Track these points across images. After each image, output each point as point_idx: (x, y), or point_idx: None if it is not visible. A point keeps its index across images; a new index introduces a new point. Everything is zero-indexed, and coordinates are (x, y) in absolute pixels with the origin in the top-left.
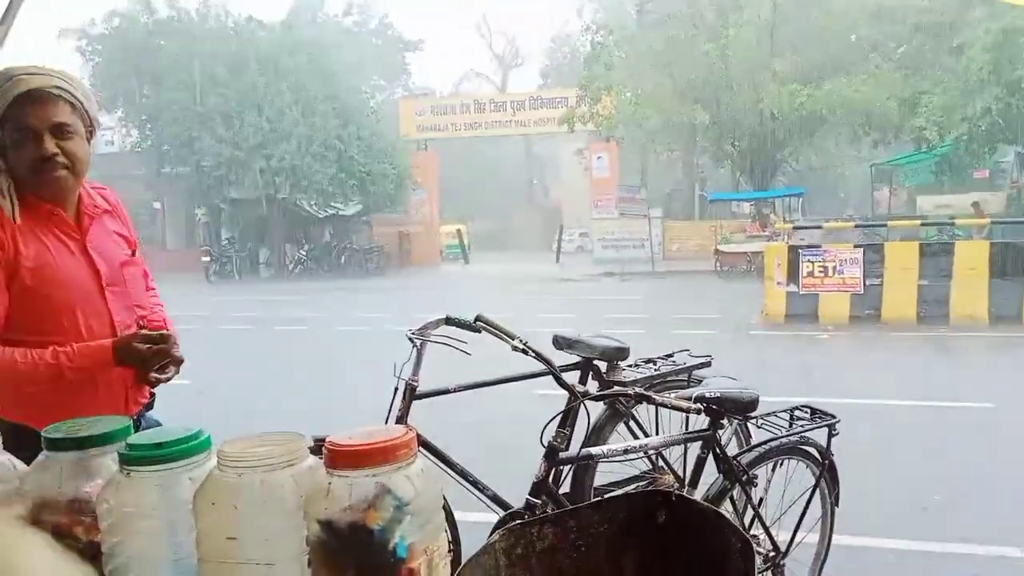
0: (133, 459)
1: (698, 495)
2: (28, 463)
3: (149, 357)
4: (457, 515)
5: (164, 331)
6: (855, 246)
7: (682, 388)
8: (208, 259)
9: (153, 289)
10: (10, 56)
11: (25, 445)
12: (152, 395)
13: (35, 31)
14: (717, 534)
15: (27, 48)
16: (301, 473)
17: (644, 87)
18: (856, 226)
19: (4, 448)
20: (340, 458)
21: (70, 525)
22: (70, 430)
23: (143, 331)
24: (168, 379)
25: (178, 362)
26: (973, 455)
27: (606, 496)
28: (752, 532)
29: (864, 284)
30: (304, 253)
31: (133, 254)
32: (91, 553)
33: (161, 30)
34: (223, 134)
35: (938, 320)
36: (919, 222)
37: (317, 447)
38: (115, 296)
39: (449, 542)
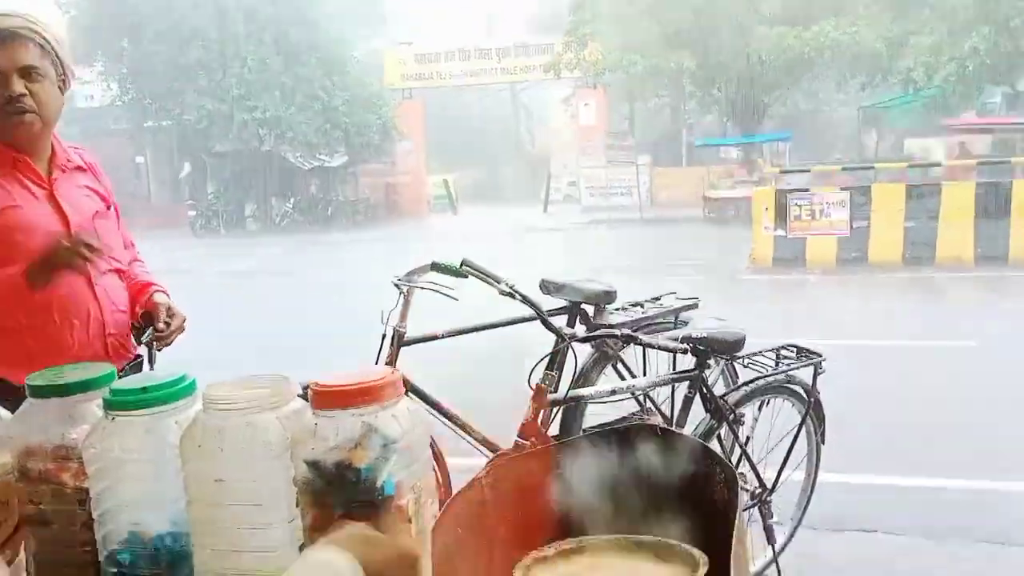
0: (118, 404)
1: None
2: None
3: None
4: (448, 461)
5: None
6: (842, 189)
7: (669, 330)
8: (194, 213)
9: (133, 247)
10: None
11: (6, 398)
12: (138, 356)
13: None
14: (702, 466)
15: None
16: (287, 415)
17: (630, 32)
18: (843, 169)
19: None
20: (326, 398)
21: (57, 471)
22: (53, 377)
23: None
24: (169, 336)
25: (179, 322)
26: (954, 392)
27: (592, 430)
28: (739, 470)
29: (851, 227)
30: (290, 206)
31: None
32: (79, 499)
33: None
34: (205, 86)
35: (924, 262)
36: (906, 164)
37: (304, 394)
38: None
39: (439, 484)
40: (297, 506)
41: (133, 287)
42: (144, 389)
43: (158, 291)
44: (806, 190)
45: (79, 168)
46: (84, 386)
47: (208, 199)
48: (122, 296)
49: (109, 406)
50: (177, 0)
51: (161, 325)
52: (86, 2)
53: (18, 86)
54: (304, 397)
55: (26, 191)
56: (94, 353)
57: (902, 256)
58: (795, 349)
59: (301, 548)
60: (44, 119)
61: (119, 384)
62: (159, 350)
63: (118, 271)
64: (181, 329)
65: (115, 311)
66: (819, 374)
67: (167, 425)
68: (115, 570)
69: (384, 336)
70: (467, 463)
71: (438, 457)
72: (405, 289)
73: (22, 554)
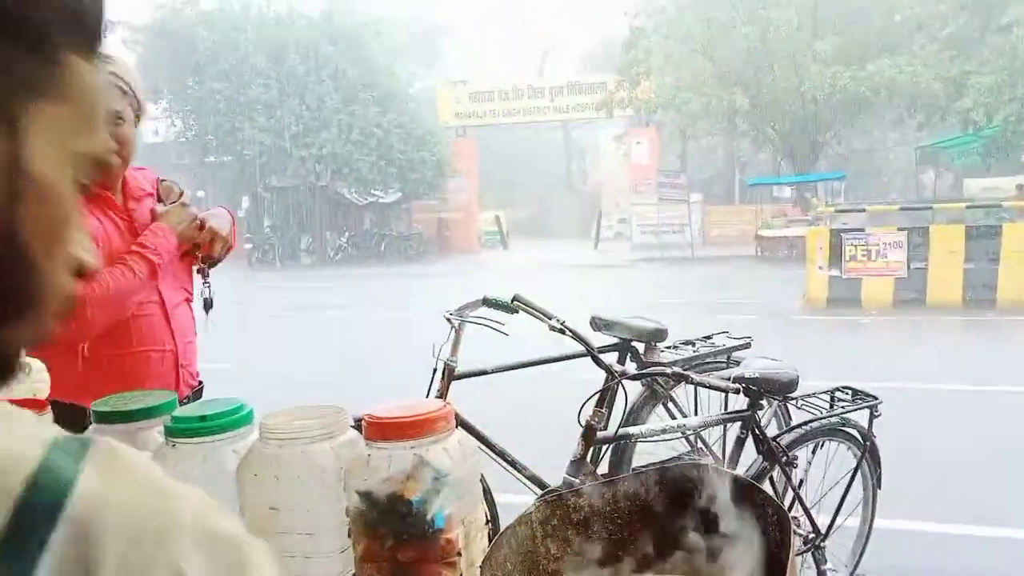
0: (178, 431)
1: None
2: None
3: (188, 221)
4: (496, 496)
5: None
6: (899, 229)
7: (721, 370)
8: (251, 246)
9: None
10: None
11: (76, 423)
12: (200, 384)
13: None
14: (753, 507)
15: None
16: (341, 445)
17: (683, 71)
18: (901, 209)
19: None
20: (379, 430)
21: None
22: (117, 404)
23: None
24: (218, 259)
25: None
26: (1019, 440)
27: (642, 468)
28: (792, 514)
29: (908, 268)
30: (344, 240)
31: None
32: None
33: (203, 21)
34: (265, 123)
35: (985, 304)
36: (965, 205)
37: (357, 425)
38: (163, 273)
39: (487, 519)
40: (348, 536)
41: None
42: (203, 418)
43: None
44: (861, 230)
45: (148, 194)
46: (147, 413)
47: (265, 232)
48: (191, 325)
49: (170, 433)
50: (239, 39)
51: (213, 254)
52: (152, 41)
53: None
54: (357, 428)
55: (112, 225)
56: (166, 383)
57: (962, 298)
58: (850, 391)
59: None
60: (124, 158)
61: (180, 412)
62: (208, 271)
63: (188, 300)
64: (228, 249)
65: (186, 342)
66: (875, 417)
67: (225, 453)
68: None
69: (435, 370)
70: (515, 500)
71: (486, 492)
72: (456, 323)
73: None
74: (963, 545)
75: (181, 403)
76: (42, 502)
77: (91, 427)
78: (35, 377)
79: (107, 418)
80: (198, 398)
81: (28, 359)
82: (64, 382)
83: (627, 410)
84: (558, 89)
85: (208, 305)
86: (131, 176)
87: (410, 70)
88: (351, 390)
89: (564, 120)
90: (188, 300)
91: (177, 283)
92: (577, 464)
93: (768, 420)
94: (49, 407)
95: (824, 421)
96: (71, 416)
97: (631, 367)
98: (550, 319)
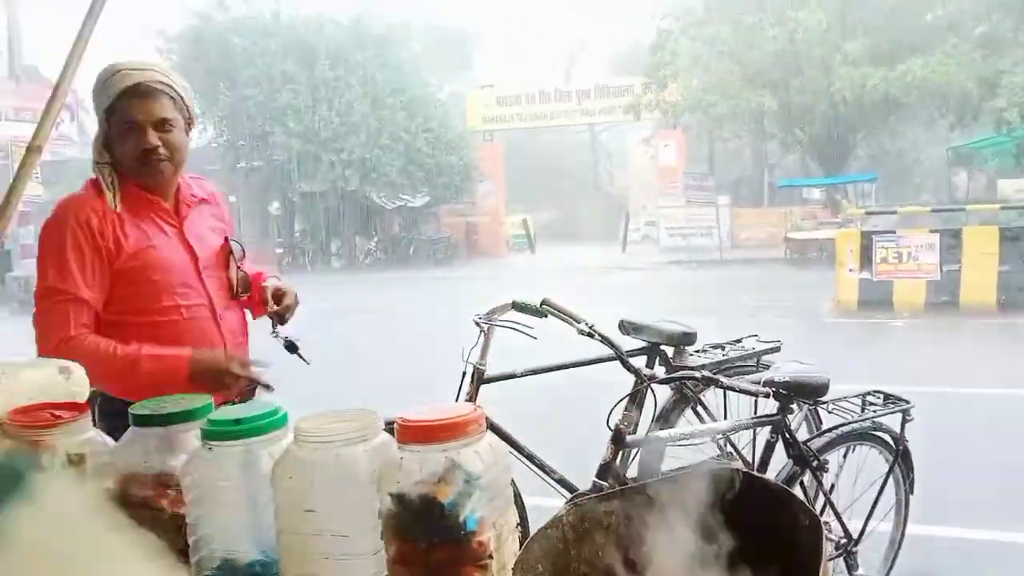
0: (214, 434)
1: None
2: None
3: (231, 383)
4: (525, 499)
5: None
6: (931, 231)
7: (750, 373)
8: (281, 251)
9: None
10: (97, 54)
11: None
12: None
13: (116, 31)
14: (785, 512)
15: (110, 47)
16: (374, 448)
17: (711, 73)
18: (933, 210)
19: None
20: (411, 433)
21: (156, 498)
22: (155, 407)
23: (237, 361)
24: (287, 313)
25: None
26: None
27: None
28: (823, 519)
29: (941, 270)
30: (374, 244)
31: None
32: (176, 524)
33: (235, 28)
34: (294, 128)
35: (1020, 307)
36: (999, 206)
37: (389, 428)
38: (211, 279)
39: (517, 523)
40: (381, 538)
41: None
42: (238, 421)
43: (268, 279)
44: (893, 232)
45: (204, 200)
46: (184, 416)
47: (295, 237)
48: (241, 327)
49: (206, 436)
50: (270, 46)
51: (279, 308)
52: (185, 49)
53: (153, 138)
54: (390, 431)
55: (159, 231)
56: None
57: (996, 301)
58: (882, 395)
59: None
60: (175, 164)
61: (216, 415)
62: (282, 325)
63: (242, 304)
64: (295, 304)
65: (236, 343)
66: (908, 421)
67: (260, 456)
68: None
69: (464, 374)
70: (544, 503)
71: (516, 496)
72: (485, 327)
73: None
74: (995, 551)
75: (233, 403)
76: None
77: (130, 430)
78: (74, 381)
79: (145, 421)
80: (249, 399)
81: (68, 363)
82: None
83: (656, 414)
84: (585, 92)
85: (291, 348)
86: (185, 183)
87: (439, 75)
88: (382, 393)
89: (591, 123)
90: (242, 304)
91: (225, 284)
92: (606, 468)
93: (798, 424)
94: (88, 411)
95: (855, 425)
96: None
97: (660, 371)
98: (579, 323)
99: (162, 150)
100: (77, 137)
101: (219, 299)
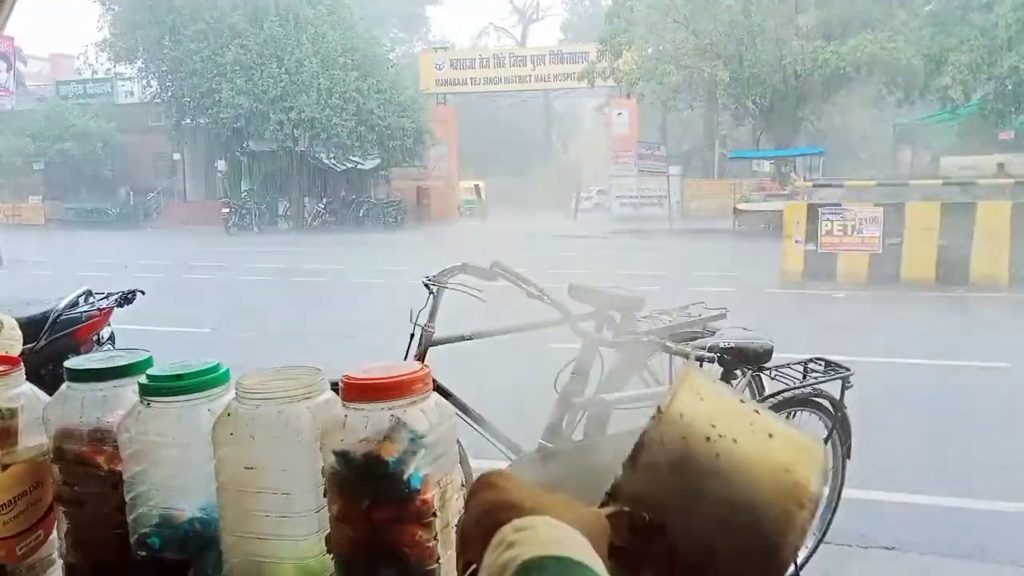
0: (153, 390)
1: None
2: None
3: None
4: (472, 462)
5: None
6: (875, 205)
7: (696, 339)
8: (228, 211)
9: None
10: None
11: None
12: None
13: None
14: None
15: None
16: (318, 406)
17: (665, 42)
18: (878, 185)
19: None
20: (356, 391)
21: (92, 454)
22: (91, 362)
23: None
24: None
25: None
26: (985, 413)
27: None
28: None
29: (883, 244)
30: (322, 206)
31: None
32: (112, 481)
33: None
34: (243, 85)
35: (957, 281)
36: (941, 182)
37: (334, 387)
38: None
39: (463, 482)
40: (324, 496)
41: None
42: (178, 376)
43: None
44: (839, 205)
45: None
46: (121, 372)
47: (242, 197)
48: None
49: (145, 391)
50: (218, 0)
51: None
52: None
53: None
54: (335, 389)
55: None
56: None
57: (935, 274)
58: (823, 363)
59: (327, 538)
60: None
61: (155, 371)
62: None
63: None
64: None
65: None
66: (847, 388)
67: (200, 412)
68: (144, 553)
69: (412, 335)
70: (489, 465)
71: (462, 457)
72: (435, 289)
73: (54, 533)
74: (927, 515)
75: None
76: None
77: (64, 385)
78: (6, 334)
79: (79, 376)
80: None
81: (1, 316)
82: None
83: (603, 377)
84: (540, 58)
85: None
86: None
87: (392, 35)
88: (328, 354)
89: (546, 89)
90: None
91: None
92: (552, 430)
93: (742, 390)
94: (20, 364)
95: (797, 391)
96: None
97: (608, 335)
98: (529, 286)
99: None
100: (14, 88)
101: None
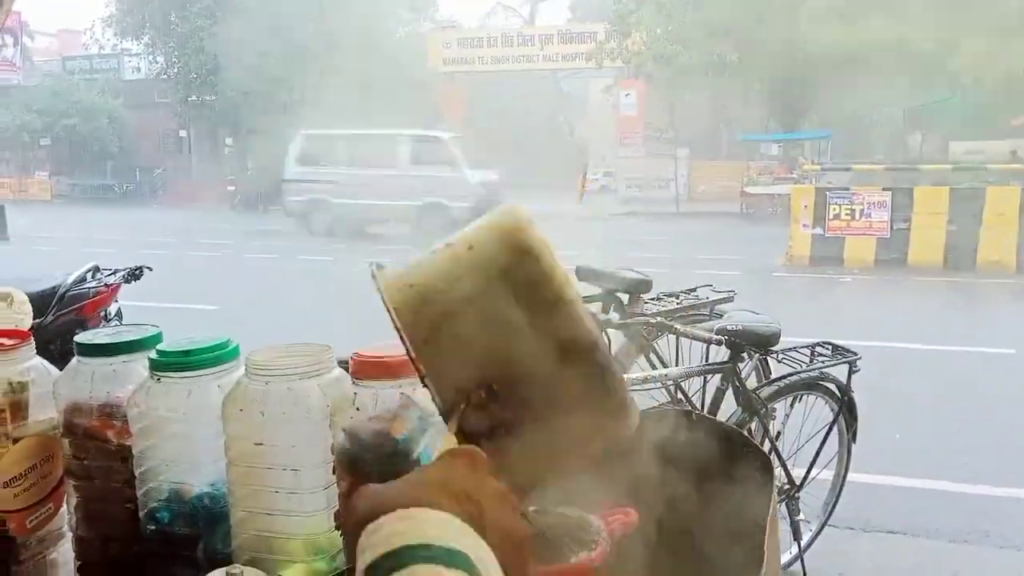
0: (163, 365)
1: None
2: None
3: None
4: None
5: None
6: (884, 189)
7: (704, 322)
8: (233, 189)
9: None
10: None
11: None
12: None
13: None
14: (736, 453)
15: None
16: (327, 383)
17: (674, 23)
18: (886, 169)
19: None
20: (366, 369)
21: (101, 428)
22: (101, 337)
23: None
24: None
25: None
26: (992, 399)
27: None
28: None
29: (891, 228)
30: None
31: None
32: (122, 456)
33: None
34: (249, 64)
35: (965, 266)
36: (950, 167)
37: (343, 365)
38: None
39: None
40: (333, 473)
41: None
42: (187, 352)
43: None
44: (847, 189)
45: None
46: (131, 347)
47: (248, 175)
48: None
49: (155, 367)
50: None
51: None
52: None
53: None
54: (345, 367)
55: None
56: None
57: (943, 260)
58: (830, 347)
59: (335, 514)
60: None
61: (165, 346)
62: None
63: None
64: None
65: None
66: (854, 373)
67: (210, 388)
68: (154, 527)
69: None
70: None
71: None
72: None
73: (64, 506)
74: (931, 499)
75: None
76: None
77: (74, 359)
78: (16, 308)
79: (89, 351)
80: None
81: (10, 290)
82: None
83: None
84: (548, 37)
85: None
86: None
87: (399, 14)
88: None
89: (553, 69)
90: None
91: None
92: None
93: (748, 372)
94: (31, 338)
95: (803, 375)
96: None
97: (615, 317)
98: None
99: None
100: (21, 63)
101: None
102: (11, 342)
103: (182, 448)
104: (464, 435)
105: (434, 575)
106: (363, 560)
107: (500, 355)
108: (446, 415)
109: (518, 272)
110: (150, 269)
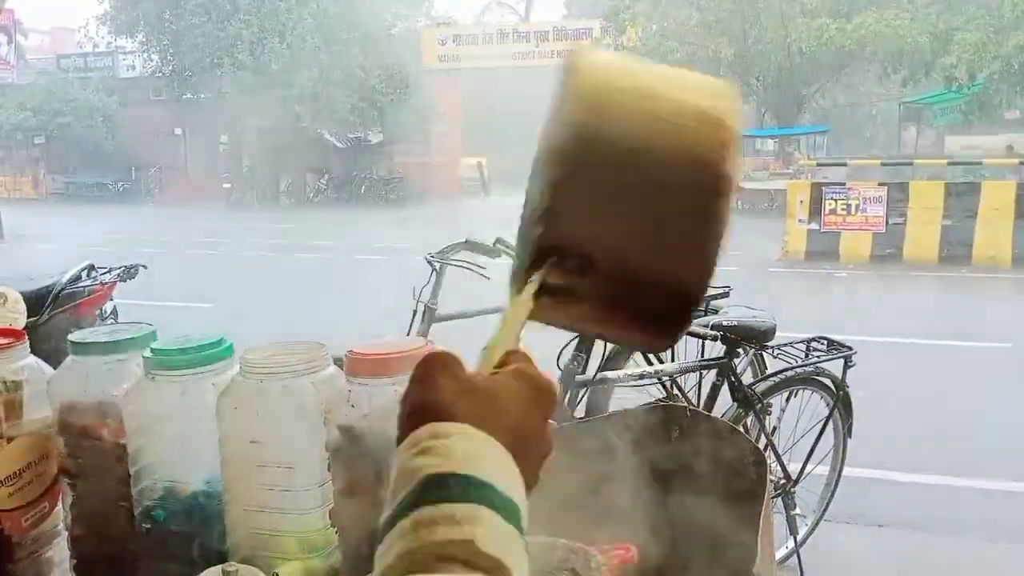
0: (157, 363)
1: None
2: None
3: None
4: None
5: None
6: (879, 184)
7: (699, 317)
8: (229, 186)
9: None
10: None
11: None
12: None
13: None
14: (730, 448)
15: None
16: (322, 381)
17: (670, 19)
18: (882, 164)
19: None
20: (360, 366)
21: (96, 426)
22: (96, 335)
23: None
24: None
25: None
26: (987, 393)
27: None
28: None
29: (887, 223)
30: (324, 182)
31: None
32: (116, 454)
33: None
34: (245, 60)
35: (961, 260)
36: (946, 162)
37: (337, 362)
38: None
39: None
40: (328, 470)
41: None
42: (182, 351)
43: None
44: (842, 184)
45: None
46: (125, 345)
47: (243, 173)
48: None
49: (150, 365)
50: None
51: None
52: None
53: None
54: (338, 364)
55: None
56: None
57: (938, 254)
58: (826, 342)
59: (330, 512)
60: None
61: (159, 344)
62: None
63: None
64: None
65: None
66: (849, 367)
67: (204, 386)
68: (149, 525)
69: (415, 312)
70: None
71: None
72: (437, 266)
73: (60, 505)
74: (928, 494)
75: None
76: None
77: (69, 358)
78: (10, 307)
79: (84, 349)
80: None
81: (4, 289)
82: None
83: (605, 355)
84: (543, 34)
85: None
86: None
87: (394, 10)
88: (330, 329)
89: (549, 65)
90: None
91: None
92: None
93: (744, 368)
94: (25, 337)
95: (799, 370)
96: None
97: None
98: None
99: None
100: (15, 61)
101: None
102: (5, 341)
103: (177, 446)
104: (541, 289)
105: (494, 525)
106: (420, 463)
107: (633, 228)
108: (534, 265)
109: (704, 172)
110: (145, 267)
